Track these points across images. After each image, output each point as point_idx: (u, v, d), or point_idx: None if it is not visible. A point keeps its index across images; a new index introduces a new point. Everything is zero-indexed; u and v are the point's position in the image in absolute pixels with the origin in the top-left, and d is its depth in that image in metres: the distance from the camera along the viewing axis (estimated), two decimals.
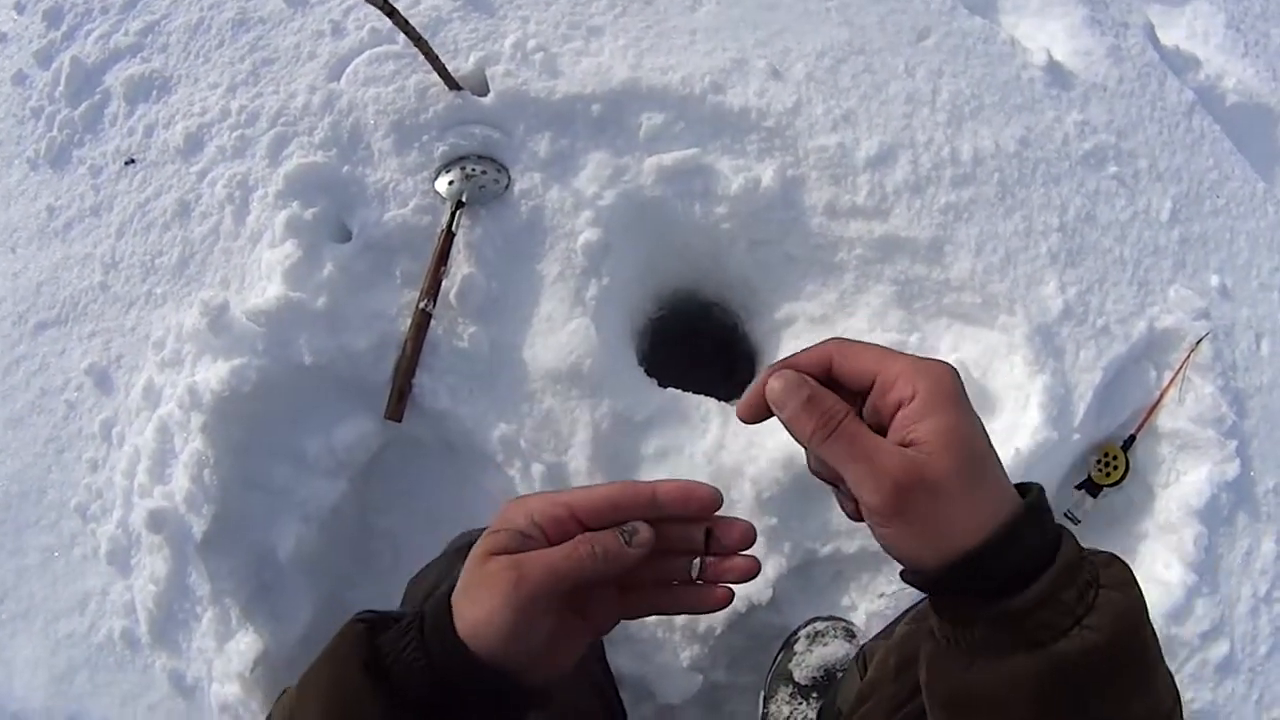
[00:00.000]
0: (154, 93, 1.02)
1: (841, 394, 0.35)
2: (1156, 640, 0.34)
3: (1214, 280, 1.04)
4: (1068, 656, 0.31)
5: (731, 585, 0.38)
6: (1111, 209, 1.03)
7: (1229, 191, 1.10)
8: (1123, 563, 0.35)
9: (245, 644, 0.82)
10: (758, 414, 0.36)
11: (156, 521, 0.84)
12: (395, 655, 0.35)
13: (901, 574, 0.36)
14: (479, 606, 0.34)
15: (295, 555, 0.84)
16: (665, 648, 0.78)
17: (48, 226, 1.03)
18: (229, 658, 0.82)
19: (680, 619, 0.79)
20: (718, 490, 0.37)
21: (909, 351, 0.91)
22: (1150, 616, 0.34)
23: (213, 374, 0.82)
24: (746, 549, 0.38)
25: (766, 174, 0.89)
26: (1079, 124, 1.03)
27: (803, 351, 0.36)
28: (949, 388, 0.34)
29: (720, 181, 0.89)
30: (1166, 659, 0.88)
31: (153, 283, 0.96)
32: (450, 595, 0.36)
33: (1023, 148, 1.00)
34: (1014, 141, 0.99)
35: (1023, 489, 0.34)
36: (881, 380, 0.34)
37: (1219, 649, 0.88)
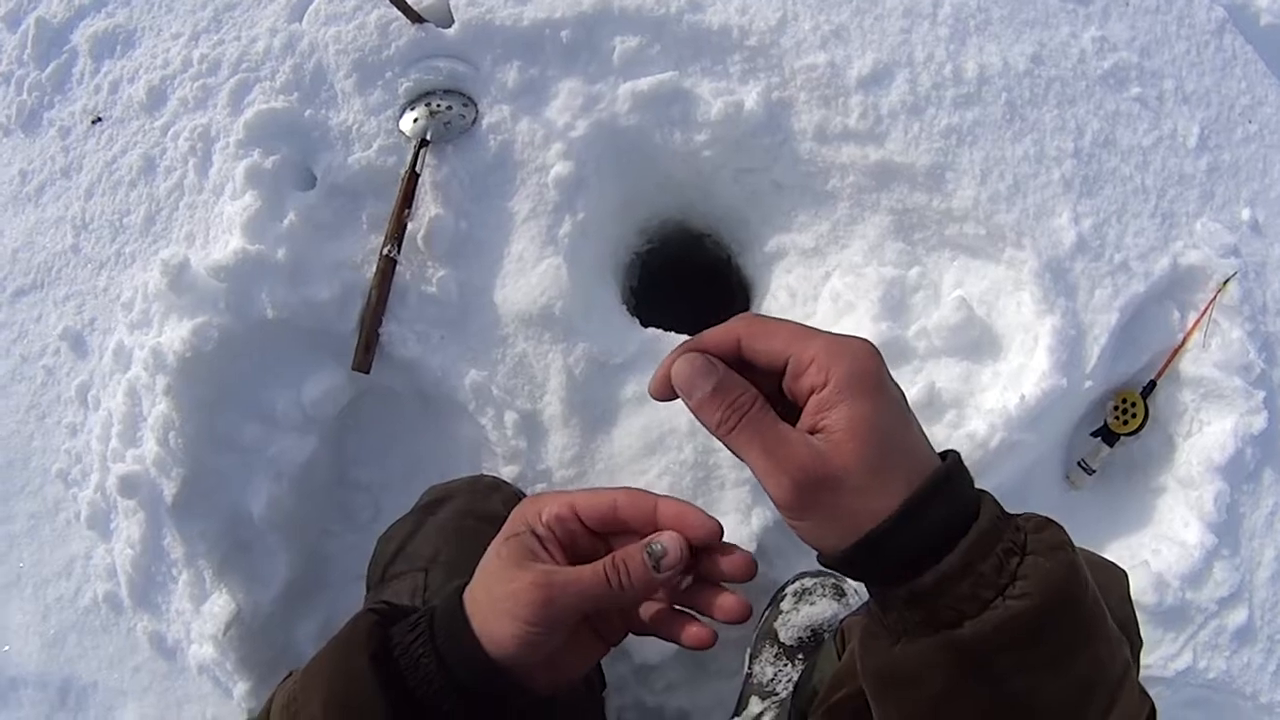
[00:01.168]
0: (118, 47, 0.97)
1: (755, 373, 0.33)
2: (1098, 606, 0.32)
3: (1245, 214, 0.93)
4: (982, 633, 0.30)
5: (712, 624, 0.37)
6: (1133, 133, 0.92)
7: (1262, 118, 0.98)
8: (1056, 525, 0.33)
9: (219, 606, 0.78)
10: (668, 394, 0.35)
11: (129, 486, 0.80)
12: (404, 649, 0.34)
13: (818, 558, 0.34)
14: (505, 620, 0.34)
15: (269, 514, 0.79)
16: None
17: (20, 192, 0.98)
18: (204, 619, 0.78)
19: None
20: (717, 522, 0.35)
21: (909, 285, 0.83)
22: (1087, 581, 0.31)
23: (176, 334, 0.78)
24: (741, 580, 0.36)
25: (750, 97, 0.80)
26: (1097, 40, 0.92)
27: (713, 330, 0.35)
28: (864, 371, 0.32)
29: (700, 107, 0.80)
30: (1181, 624, 0.78)
31: (121, 242, 0.91)
32: (462, 593, 0.35)
33: (1034, 65, 0.89)
34: (1024, 59, 0.89)
35: (943, 457, 0.33)
36: (794, 363, 0.32)
37: (1237, 616, 0.81)
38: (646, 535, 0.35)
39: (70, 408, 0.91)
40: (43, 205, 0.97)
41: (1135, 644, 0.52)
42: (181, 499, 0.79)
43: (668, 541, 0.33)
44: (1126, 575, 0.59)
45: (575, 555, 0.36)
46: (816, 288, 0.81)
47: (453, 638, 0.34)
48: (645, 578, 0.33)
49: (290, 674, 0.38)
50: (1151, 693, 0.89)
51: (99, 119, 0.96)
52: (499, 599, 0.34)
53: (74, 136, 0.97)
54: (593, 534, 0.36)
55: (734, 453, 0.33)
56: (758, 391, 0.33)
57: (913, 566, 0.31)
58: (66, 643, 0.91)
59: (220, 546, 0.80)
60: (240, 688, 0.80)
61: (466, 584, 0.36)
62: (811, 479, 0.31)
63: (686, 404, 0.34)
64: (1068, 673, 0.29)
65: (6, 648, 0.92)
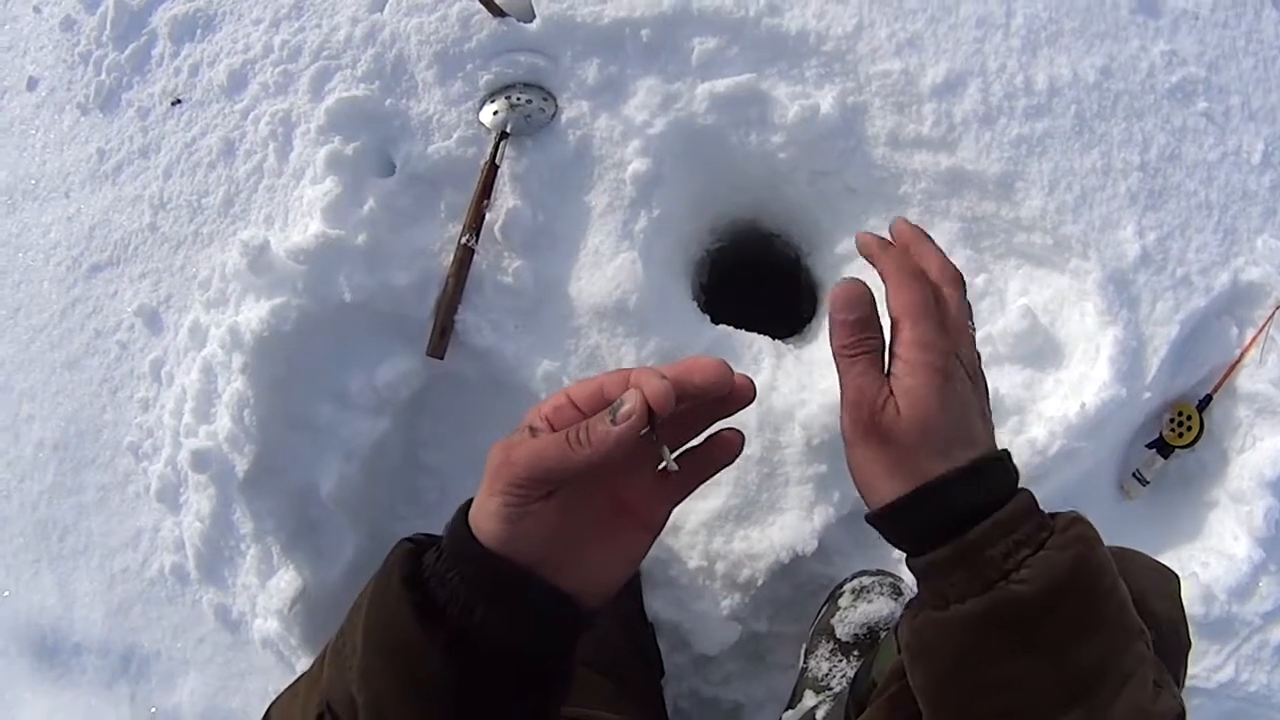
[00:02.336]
0: (198, 31, 0.97)
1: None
2: (1112, 600, 0.34)
3: None
4: (976, 612, 0.32)
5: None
6: (1199, 148, 0.91)
7: None
8: (1084, 523, 0.35)
9: (285, 581, 0.78)
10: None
11: (201, 461, 0.81)
12: (431, 569, 0.33)
13: (866, 516, 0.38)
14: (477, 496, 0.33)
15: (337, 493, 0.79)
16: (705, 595, 0.71)
17: (99, 170, 0.99)
18: (270, 594, 0.79)
19: (720, 567, 0.72)
20: (724, 363, 0.33)
21: (975, 292, 0.82)
22: (1099, 575, 0.34)
23: (254, 314, 0.78)
24: (741, 401, 0.35)
25: (825, 101, 0.80)
26: (1166, 54, 0.91)
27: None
28: (938, 363, 0.36)
29: (776, 109, 0.80)
30: (1226, 637, 0.78)
31: (199, 222, 0.92)
32: (470, 504, 0.35)
33: (1103, 78, 0.89)
34: (1094, 71, 0.88)
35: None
36: (905, 330, 0.37)
37: None
38: None
39: (143, 383, 0.92)
40: (120, 184, 0.98)
41: (1185, 644, 0.52)
42: (252, 475, 0.79)
43: (626, 395, 0.32)
44: (1178, 578, 0.59)
45: None
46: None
47: (456, 540, 0.33)
48: (602, 431, 0.31)
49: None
50: (1193, 704, 0.89)
51: (179, 101, 0.96)
52: (481, 495, 0.33)
53: (153, 117, 0.98)
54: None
55: (838, 370, 0.38)
56: (883, 340, 0.38)
57: (933, 538, 0.33)
58: (131, 612, 0.92)
59: (288, 523, 0.80)
60: (303, 663, 0.80)
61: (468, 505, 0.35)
62: (869, 425, 0.36)
63: (831, 315, 0.38)
64: (1064, 662, 0.30)
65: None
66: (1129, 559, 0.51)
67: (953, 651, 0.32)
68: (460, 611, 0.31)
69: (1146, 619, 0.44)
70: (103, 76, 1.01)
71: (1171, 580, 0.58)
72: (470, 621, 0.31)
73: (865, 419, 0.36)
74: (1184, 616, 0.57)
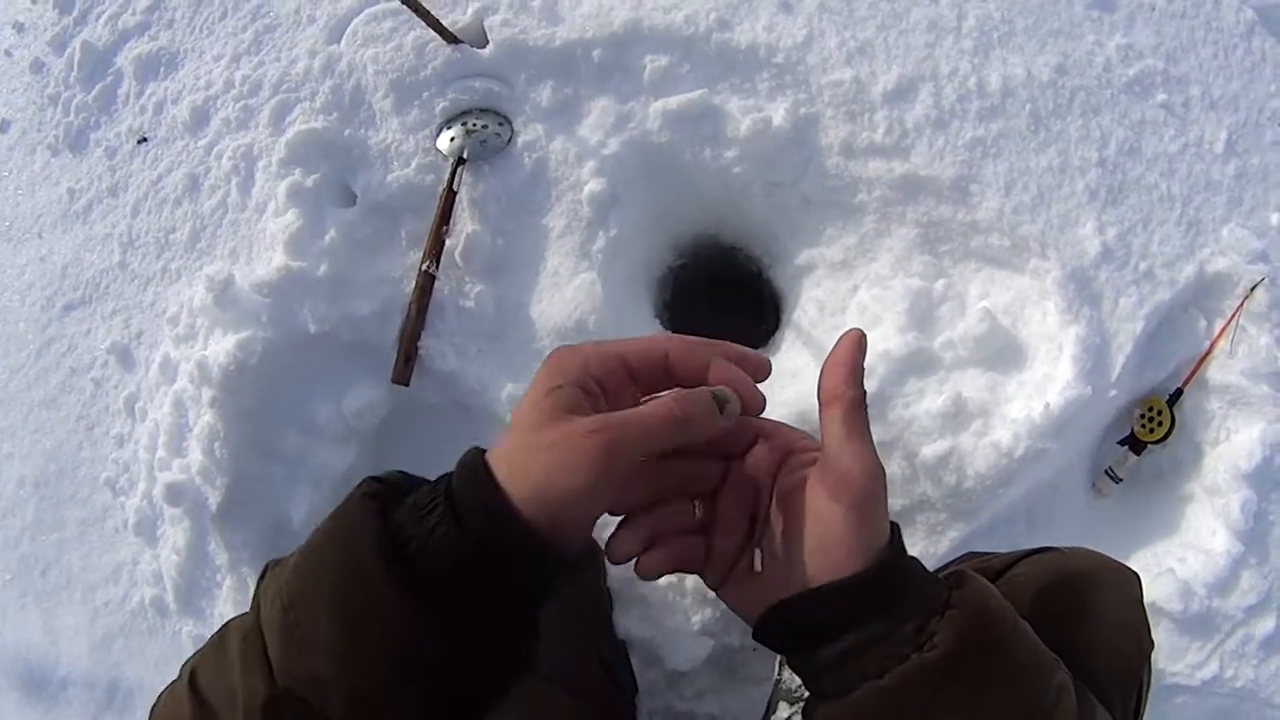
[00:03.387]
0: (162, 69, 0.98)
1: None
2: (1019, 642, 0.32)
3: (1274, 218, 0.91)
4: (895, 685, 0.30)
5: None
6: (1159, 141, 0.90)
7: None
8: (971, 576, 0.33)
9: None
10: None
11: (174, 495, 0.81)
12: (420, 536, 0.28)
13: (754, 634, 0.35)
14: (559, 474, 0.28)
15: (309, 522, 0.79)
16: (676, 611, 0.71)
17: (69, 209, 1.00)
18: None
19: (690, 582, 0.72)
20: (763, 396, 0.33)
21: (935, 297, 0.82)
22: (1001, 624, 0.32)
23: (220, 348, 0.78)
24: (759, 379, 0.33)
25: (778, 113, 0.80)
26: (1122, 48, 0.91)
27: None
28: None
29: (729, 123, 0.80)
30: (1208, 633, 0.74)
31: (167, 259, 0.92)
32: (484, 459, 0.29)
33: (1058, 75, 0.88)
34: (1048, 69, 0.88)
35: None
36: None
37: (1265, 624, 0.79)
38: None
39: (118, 419, 0.92)
40: (91, 223, 0.99)
41: (1145, 647, 0.51)
42: (225, 507, 0.80)
43: (731, 395, 0.31)
44: (1138, 577, 0.58)
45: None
46: (844, 300, 0.80)
47: (479, 505, 0.28)
48: (709, 419, 0.30)
49: (269, 566, 0.33)
50: (1176, 702, 0.88)
51: (144, 139, 0.97)
52: (543, 450, 0.28)
53: (120, 156, 0.98)
54: (635, 389, 0.32)
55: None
56: None
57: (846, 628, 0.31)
58: (114, 645, 0.92)
59: (262, 554, 0.80)
60: None
61: (482, 450, 0.30)
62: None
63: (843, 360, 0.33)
64: (984, 712, 0.29)
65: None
66: (1073, 560, 0.49)
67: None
68: (454, 578, 0.28)
69: (1092, 627, 0.43)
70: (71, 117, 1.02)
71: (1133, 582, 0.57)
72: (467, 591, 0.28)
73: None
74: (1145, 619, 0.56)
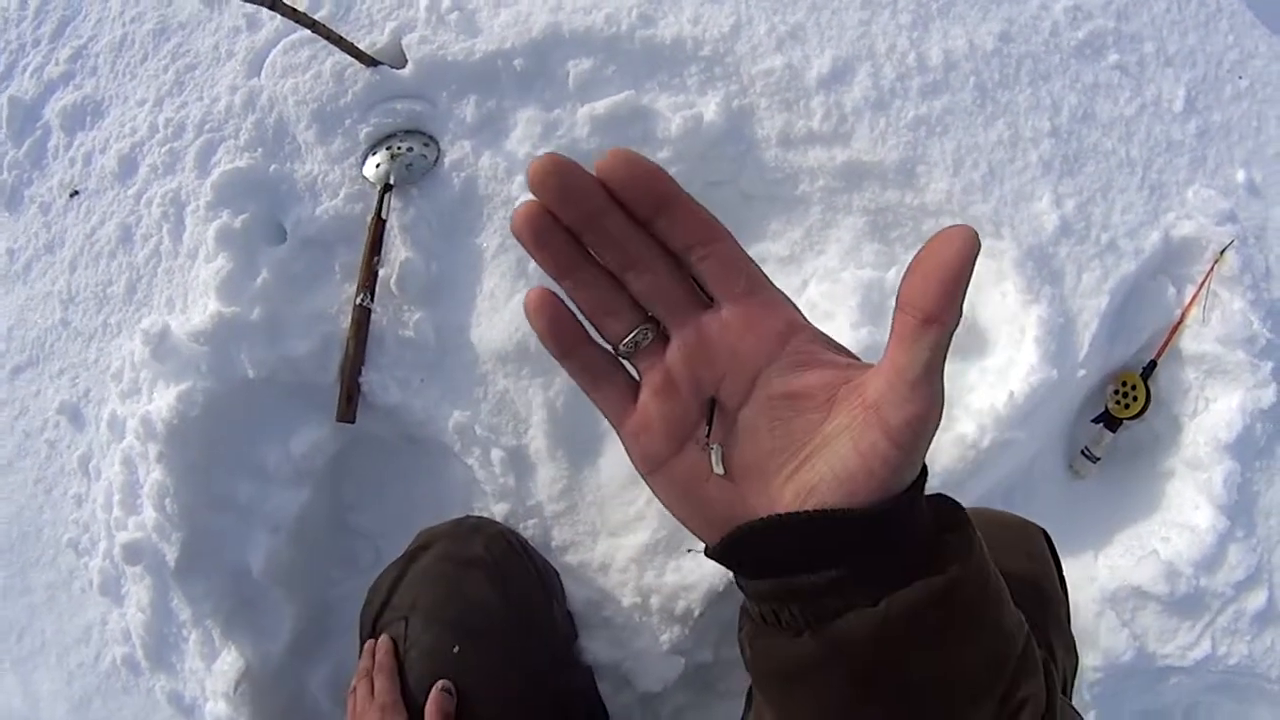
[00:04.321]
0: (88, 119, 0.95)
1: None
2: (999, 579, 0.28)
3: (1240, 175, 0.87)
4: (896, 612, 0.26)
5: None
6: (1114, 104, 0.86)
7: (1253, 71, 0.92)
8: (954, 503, 0.28)
9: (228, 663, 0.76)
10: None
11: (132, 553, 0.78)
12: None
13: (706, 549, 0.29)
14: None
15: (269, 568, 0.77)
16: (643, 632, 0.68)
17: (10, 270, 0.97)
18: (216, 677, 0.77)
19: (655, 601, 0.69)
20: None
21: (888, 287, 0.79)
22: (988, 555, 0.28)
23: (162, 401, 0.76)
24: None
25: (709, 108, 0.76)
26: (1070, 10, 0.87)
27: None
28: None
29: (660, 123, 0.76)
30: (1197, 612, 0.68)
31: (107, 313, 0.89)
32: None
33: (1003, 44, 0.84)
34: (992, 38, 0.84)
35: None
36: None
37: (1256, 599, 0.76)
38: None
39: (74, 479, 0.90)
40: (31, 282, 0.96)
41: (1051, 598, 0.48)
42: (183, 562, 0.77)
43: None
44: (1042, 531, 0.55)
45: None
46: (795, 297, 0.76)
47: None
48: None
49: None
50: (1171, 683, 0.84)
51: (76, 192, 0.94)
52: None
53: (54, 211, 0.95)
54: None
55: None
56: None
57: (828, 557, 0.26)
58: (92, 706, 0.90)
59: (225, 604, 0.78)
60: None
61: None
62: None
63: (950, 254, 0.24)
64: (976, 644, 0.26)
65: None
66: (979, 518, 0.46)
67: (860, 659, 0.26)
68: None
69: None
70: (3, 175, 0.99)
71: (1035, 536, 0.54)
72: None
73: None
74: (1051, 571, 0.53)
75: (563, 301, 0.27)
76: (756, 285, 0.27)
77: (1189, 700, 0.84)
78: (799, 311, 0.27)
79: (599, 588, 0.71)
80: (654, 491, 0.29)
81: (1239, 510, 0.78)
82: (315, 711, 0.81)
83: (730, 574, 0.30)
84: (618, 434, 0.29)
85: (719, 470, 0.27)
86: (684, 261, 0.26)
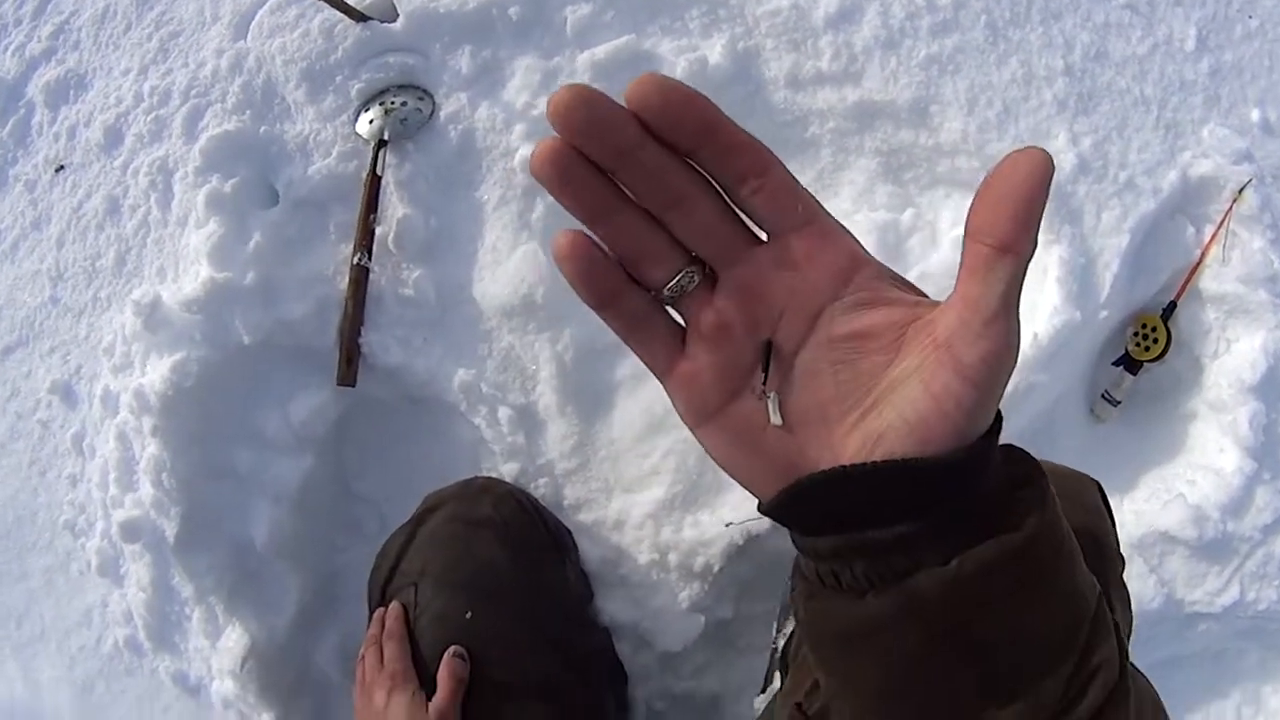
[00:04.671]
0: (72, 92, 0.92)
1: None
2: (1072, 537, 0.25)
3: (1254, 114, 0.85)
4: (968, 571, 0.23)
5: None
6: (1126, 43, 0.84)
7: (1263, 10, 0.90)
8: (1024, 454, 0.26)
9: (233, 640, 0.73)
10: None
11: (130, 531, 0.76)
12: None
13: (758, 506, 0.26)
14: None
15: (272, 539, 0.74)
16: (661, 590, 0.66)
17: None
18: (221, 655, 0.74)
19: (673, 558, 0.66)
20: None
21: (904, 229, 0.76)
22: (1060, 509, 0.25)
23: (155, 374, 0.73)
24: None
25: (714, 51, 0.73)
26: None
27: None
28: None
29: (663, 67, 0.74)
30: (1225, 557, 0.66)
31: (96, 287, 0.86)
32: None
33: None
34: None
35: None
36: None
37: None
38: None
39: (68, 459, 0.87)
40: (19, 261, 0.93)
41: (1110, 556, 0.46)
42: (183, 537, 0.74)
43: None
44: (1097, 484, 0.53)
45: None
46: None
47: None
48: None
49: None
50: (1199, 629, 0.82)
51: (61, 167, 0.91)
52: None
53: (40, 188, 0.92)
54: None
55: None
56: None
57: (905, 512, 0.23)
58: (95, 690, 0.87)
59: (228, 579, 0.75)
60: (265, 718, 0.75)
61: None
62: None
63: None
64: (1051, 604, 0.24)
65: None
66: None
67: (928, 622, 0.23)
68: None
69: None
70: None
71: (1092, 490, 0.52)
72: None
73: None
74: (1108, 524, 0.51)
75: (595, 245, 0.24)
76: (813, 215, 0.24)
77: (1217, 647, 0.82)
78: (860, 243, 0.25)
79: (614, 546, 0.68)
80: (704, 445, 0.26)
81: (1265, 452, 0.76)
82: (324, 684, 0.78)
83: (759, 529, 0.27)
84: (664, 385, 0.26)
85: (777, 420, 0.25)
86: (732, 195, 0.24)
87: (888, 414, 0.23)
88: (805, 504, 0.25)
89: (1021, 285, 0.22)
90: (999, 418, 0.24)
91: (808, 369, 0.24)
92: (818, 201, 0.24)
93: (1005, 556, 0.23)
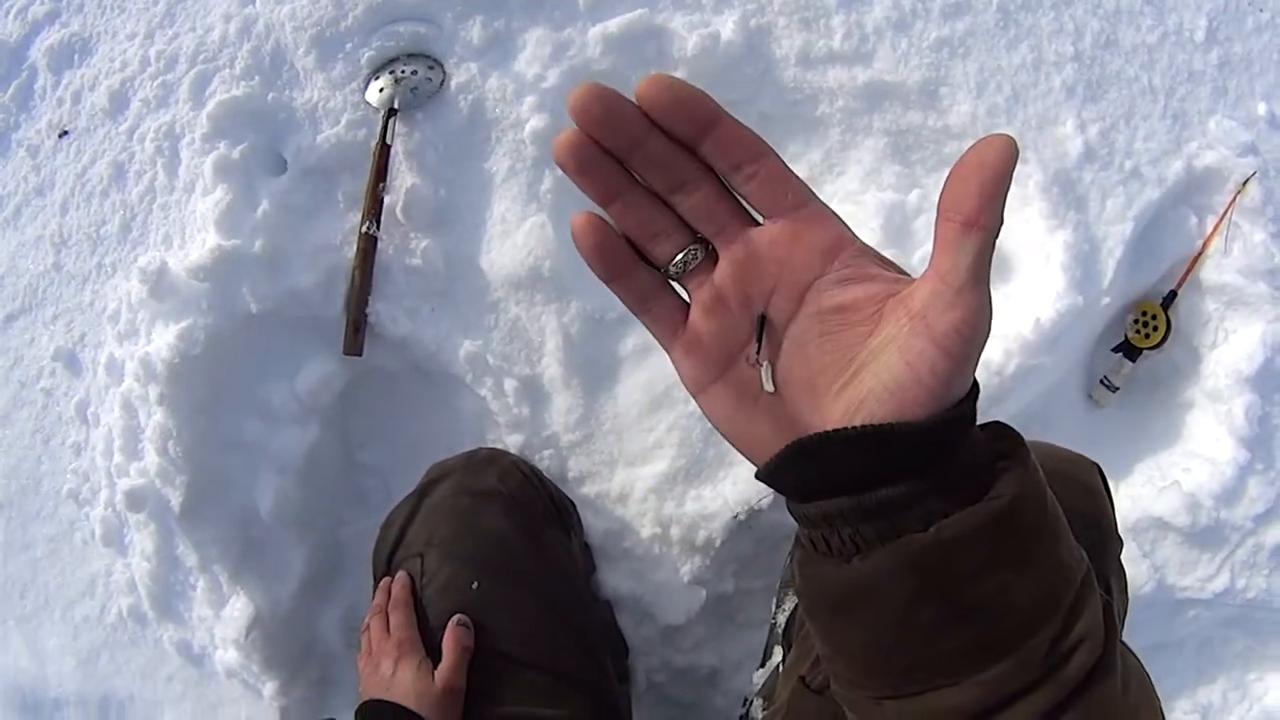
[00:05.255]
0: (76, 57, 0.90)
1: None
2: (1056, 506, 0.27)
3: (1261, 108, 0.85)
4: (947, 536, 0.24)
5: None
6: (1136, 31, 0.83)
7: (1274, 5, 0.89)
8: (1009, 429, 0.27)
9: (237, 610, 0.73)
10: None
11: (135, 500, 0.75)
12: None
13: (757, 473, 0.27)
14: None
15: (278, 509, 0.74)
16: (663, 564, 0.66)
17: None
18: (225, 624, 0.74)
19: (675, 532, 0.66)
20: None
21: (910, 209, 0.76)
22: (1045, 480, 0.27)
23: (162, 341, 0.72)
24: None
25: (726, 27, 0.73)
26: None
27: None
28: None
29: (675, 42, 0.73)
30: (1217, 544, 0.66)
31: (101, 254, 0.85)
32: None
33: None
34: None
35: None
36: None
37: (1275, 533, 0.75)
38: None
39: (72, 427, 0.86)
40: (21, 227, 0.91)
41: (1106, 538, 0.46)
42: (189, 506, 0.74)
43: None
44: (1096, 466, 0.53)
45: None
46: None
47: None
48: None
49: None
50: (1189, 615, 0.82)
51: (65, 132, 0.89)
52: None
53: (43, 154, 0.91)
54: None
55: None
56: None
57: (882, 478, 0.25)
58: (100, 660, 0.87)
59: (233, 549, 0.75)
60: (269, 687, 0.76)
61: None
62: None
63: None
64: (1032, 572, 0.25)
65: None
66: (1037, 451, 0.44)
67: (911, 585, 0.25)
68: None
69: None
70: None
71: (1092, 471, 0.52)
72: None
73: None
74: (1108, 507, 0.51)
75: (609, 225, 0.27)
76: (803, 200, 0.26)
77: (1204, 634, 0.83)
78: (846, 226, 0.27)
79: (618, 519, 0.68)
80: (704, 411, 0.28)
81: (1259, 443, 0.77)
82: (328, 654, 0.78)
83: (761, 505, 0.28)
84: (668, 354, 0.28)
85: (769, 387, 0.27)
86: (730, 181, 0.26)
87: (868, 381, 0.25)
88: (794, 469, 0.26)
89: (990, 258, 0.23)
90: (975, 387, 0.25)
91: (797, 340, 0.26)
92: (809, 188, 0.27)
93: (984, 523, 0.24)
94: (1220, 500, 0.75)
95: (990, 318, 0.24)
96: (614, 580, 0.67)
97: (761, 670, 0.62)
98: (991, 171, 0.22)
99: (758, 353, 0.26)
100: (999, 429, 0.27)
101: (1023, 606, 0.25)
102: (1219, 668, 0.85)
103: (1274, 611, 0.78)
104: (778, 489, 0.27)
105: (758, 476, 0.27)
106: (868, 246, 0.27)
